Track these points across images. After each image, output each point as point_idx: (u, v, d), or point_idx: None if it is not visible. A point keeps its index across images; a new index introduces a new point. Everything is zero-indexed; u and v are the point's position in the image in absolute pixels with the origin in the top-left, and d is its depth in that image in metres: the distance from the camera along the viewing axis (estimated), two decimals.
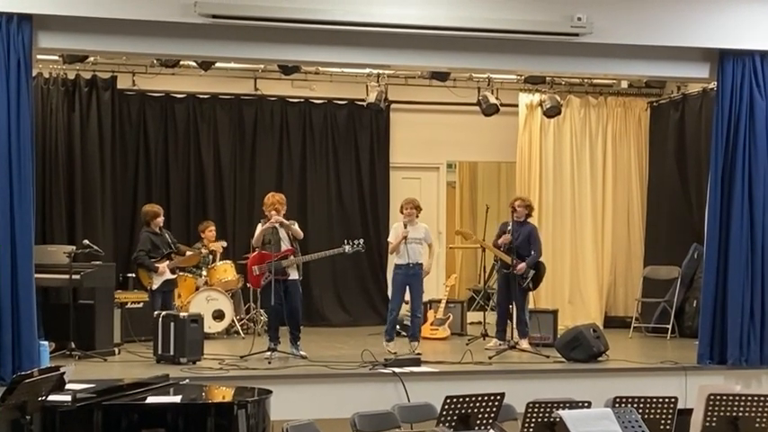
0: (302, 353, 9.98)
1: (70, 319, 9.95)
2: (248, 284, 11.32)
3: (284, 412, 7.48)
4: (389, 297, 10.89)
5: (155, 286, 10.93)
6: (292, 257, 10.15)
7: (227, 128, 13.61)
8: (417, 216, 10.75)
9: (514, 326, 11.09)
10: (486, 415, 7.43)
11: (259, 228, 10.25)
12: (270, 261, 9.95)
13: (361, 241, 10.53)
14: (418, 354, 10.15)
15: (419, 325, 11.03)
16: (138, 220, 12.80)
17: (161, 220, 11.24)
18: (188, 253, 11.69)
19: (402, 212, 10.76)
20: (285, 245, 10.14)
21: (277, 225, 10.10)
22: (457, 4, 9.41)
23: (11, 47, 8.57)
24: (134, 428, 6.56)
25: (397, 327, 12.14)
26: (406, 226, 10.61)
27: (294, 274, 10.18)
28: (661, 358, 10.21)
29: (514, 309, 11.08)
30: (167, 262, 10.99)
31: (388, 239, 10.88)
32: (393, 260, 10.90)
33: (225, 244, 12.49)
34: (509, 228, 11.01)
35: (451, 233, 14.85)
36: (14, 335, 8.48)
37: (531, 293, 11.42)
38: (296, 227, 10.26)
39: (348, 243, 10.42)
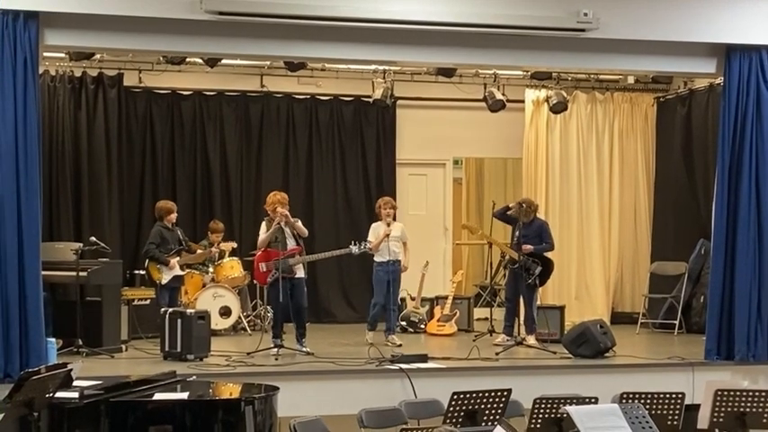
0: (307, 349, 9.99)
1: (77, 316, 9.97)
2: (254, 281, 11.33)
3: (291, 409, 7.49)
4: (373, 293, 11.17)
5: (164, 281, 10.96)
6: (299, 256, 10.17)
7: (233, 125, 13.61)
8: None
9: (521, 322, 11.08)
10: (493, 411, 7.44)
11: (263, 227, 10.25)
12: (277, 259, 9.96)
13: (369, 243, 10.67)
14: (399, 345, 10.61)
15: (395, 318, 11.34)
16: (144, 217, 12.89)
17: (174, 216, 11.30)
18: (198, 251, 11.71)
19: (380, 212, 11.03)
20: (291, 243, 10.15)
21: (282, 224, 10.10)
22: (462, 0, 9.40)
23: (17, 44, 8.58)
24: (141, 425, 6.58)
25: (404, 323, 12.24)
26: (389, 225, 10.89)
27: (300, 273, 10.21)
28: (668, 354, 10.20)
29: (522, 305, 11.09)
30: (177, 258, 11.03)
31: (369, 239, 10.97)
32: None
33: (235, 245, 12.49)
34: (519, 224, 11.05)
35: (458, 229, 14.84)
36: (22, 332, 8.51)
37: (538, 290, 11.40)
38: (299, 224, 10.28)
39: (355, 244, 10.57)
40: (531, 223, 11.13)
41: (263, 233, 10.23)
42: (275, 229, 10.10)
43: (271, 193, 10.40)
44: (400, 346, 10.69)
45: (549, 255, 11.21)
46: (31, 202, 8.61)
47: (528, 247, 10.89)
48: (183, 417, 6.67)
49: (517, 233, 11.07)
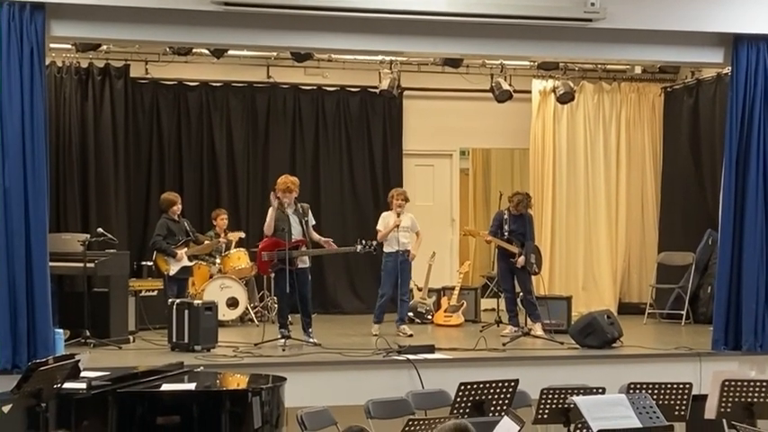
0: (314, 340, 9.99)
1: (85, 308, 9.99)
2: (259, 271, 11.31)
3: (298, 399, 7.51)
4: (381, 283, 11.17)
5: (172, 272, 10.96)
6: (304, 248, 10.15)
7: (239, 116, 13.60)
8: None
9: (525, 311, 11.08)
10: (500, 401, 7.46)
11: (270, 213, 10.24)
12: (280, 249, 9.95)
13: (374, 243, 10.61)
14: (411, 335, 10.65)
15: (407, 308, 11.35)
16: (151, 208, 12.89)
17: (177, 208, 11.28)
18: (206, 242, 11.71)
19: (392, 203, 11.02)
20: (297, 235, 10.12)
21: (290, 212, 10.09)
22: None
23: (24, 36, 8.57)
24: (149, 416, 6.60)
25: (411, 314, 12.24)
26: (399, 215, 10.89)
27: (304, 263, 10.19)
28: (675, 344, 10.19)
29: (521, 294, 11.10)
30: (185, 249, 11.04)
31: (378, 228, 11.07)
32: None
33: (243, 235, 12.49)
34: (505, 217, 11.06)
35: (465, 220, 14.85)
36: (29, 323, 8.52)
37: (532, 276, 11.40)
38: (316, 236, 10.31)
39: (360, 243, 10.51)
40: (521, 216, 11.11)
41: (268, 217, 10.23)
42: (281, 217, 10.09)
43: (282, 176, 10.39)
44: (411, 336, 10.71)
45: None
46: (38, 193, 8.61)
47: (521, 260, 10.90)
48: (190, 407, 6.70)
49: (506, 227, 11.04)
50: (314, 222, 10.45)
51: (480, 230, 12.27)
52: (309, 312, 10.24)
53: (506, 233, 11.02)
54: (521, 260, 10.88)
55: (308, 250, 10.23)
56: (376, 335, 10.43)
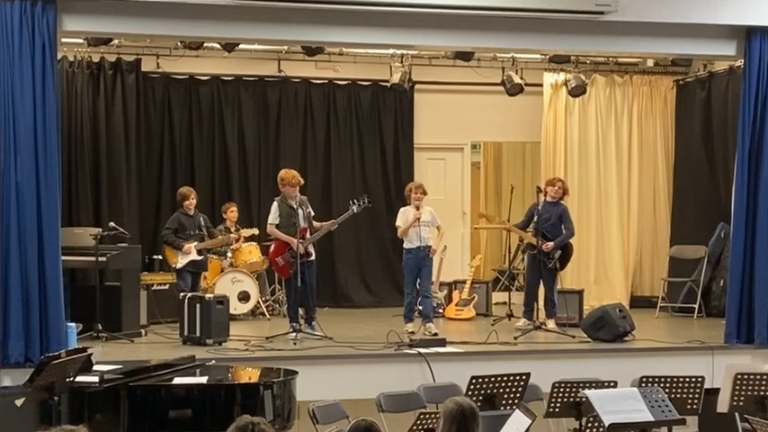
0: (320, 333, 9.95)
1: (97, 301, 10.02)
2: (280, 276, 11.27)
3: (310, 393, 7.52)
4: (405, 282, 10.86)
5: (179, 265, 11.00)
6: (309, 236, 10.15)
7: (251, 110, 13.60)
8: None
9: (541, 306, 11.04)
10: (511, 395, 7.47)
11: (274, 207, 10.27)
12: (289, 249, 10.01)
13: (365, 197, 10.55)
14: (435, 334, 10.21)
15: (431, 306, 10.99)
16: (163, 202, 12.98)
17: (191, 202, 11.30)
18: (219, 237, 11.70)
19: (410, 197, 10.68)
20: (303, 224, 10.14)
21: (294, 204, 10.10)
22: None
23: (36, 30, 8.60)
24: (161, 409, 6.63)
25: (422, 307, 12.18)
26: (418, 209, 10.58)
27: (312, 254, 10.23)
28: (688, 338, 10.17)
29: (543, 289, 11.04)
30: (195, 243, 11.05)
31: (397, 224, 10.73)
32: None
33: (256, 232, 12.48)
34: (538, 208, 10.93)
35: (476, 214, 14.82)
36: (42, 317, 8.55)
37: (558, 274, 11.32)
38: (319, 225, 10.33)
39: (354, 203, 10.48)
40: (555, 205, 10.99)
41: (273, 212, 10.24)
42: (289, 211, 10.11)
43: (286, 171, 10.38)
44: (436, 335, 10.20)
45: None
46: (51, 187, 8.65)
47: (549, 245, 10.75)
48: (202, 401, 6.72)
49: (536, 218, 10.92)
50: (313, 213, 10.46)
51: (498, 217, 12.15)
52: (314, 304, 10.22)
53: (534, 223, 10.90)
54: (549, 245, 10.78)
55: (314, 235, 10.23)
56: (412, 332, 10.24)
